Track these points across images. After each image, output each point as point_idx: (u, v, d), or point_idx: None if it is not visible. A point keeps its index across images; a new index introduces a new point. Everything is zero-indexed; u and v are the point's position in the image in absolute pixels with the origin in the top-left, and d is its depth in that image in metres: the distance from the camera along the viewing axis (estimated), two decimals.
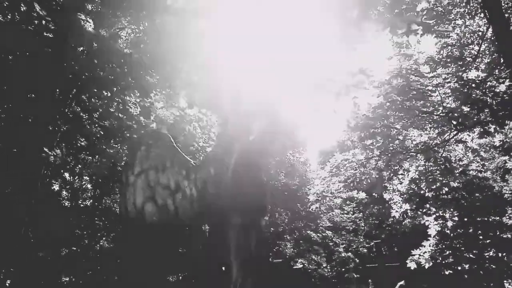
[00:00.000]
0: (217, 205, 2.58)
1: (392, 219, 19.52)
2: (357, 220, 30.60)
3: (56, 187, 16.47)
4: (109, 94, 10.98)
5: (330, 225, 25.71)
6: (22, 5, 8.85)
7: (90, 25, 10.52)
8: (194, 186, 2.61)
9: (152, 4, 11.08)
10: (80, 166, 13.99)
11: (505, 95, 9.97)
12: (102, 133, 10.63)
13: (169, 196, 2.63)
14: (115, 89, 11.12)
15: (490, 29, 12.31)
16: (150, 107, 11.37)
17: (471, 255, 13.61)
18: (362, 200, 27.21)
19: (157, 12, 11.39)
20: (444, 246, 12.69)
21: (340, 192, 10.77)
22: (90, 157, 13.03)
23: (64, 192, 17.97)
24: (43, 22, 9.01)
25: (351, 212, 29.72)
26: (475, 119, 10.06)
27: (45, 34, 8.64)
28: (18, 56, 9.22)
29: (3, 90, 9.28)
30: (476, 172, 12.23)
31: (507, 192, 13.76)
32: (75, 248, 14.19)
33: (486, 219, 13.73)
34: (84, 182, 18.16)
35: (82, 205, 17.37)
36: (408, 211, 11.55)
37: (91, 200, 17.69)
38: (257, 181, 2.62)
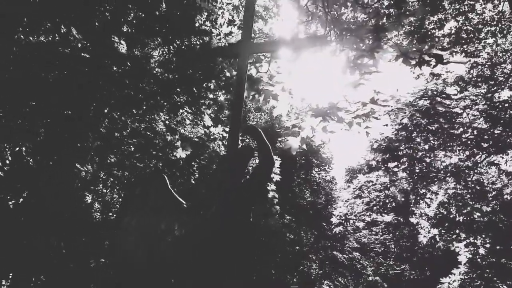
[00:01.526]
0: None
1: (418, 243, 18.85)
2: (387, 241, 29.66)
3: (89, 199, 17.15)
4: (139, 112, 11.44)
5: (358, 246, 25.06)
6: (62, 26, 9.47)
7: (123, 47, 11.08)
8: (183, 231, 2.60)
9: (181, 26, 11.53)
10: (112, 180, 14.53)
11: None
12: (132, 149, 11.07)
13: (157, 240, 2.65)
14: (144, 107, 11.58)
15: None
16: (177, 125, 11.74)
17: (504, 287, 12.84)
18: (392, 221, 26.47)
19: (186, 34, 11.82)
20: (475, 276, 12.06)
21: (363, 215, 10.55)
22: (120, 173, 13.53)
23: (96, 204, 18.63)
24: (79, 45, 9.58)
25: (380, 233, 28.87)
26: (507, 142, 9.68)
27: (82, 54, 9.19)
28: (56, 74, 9.81)
29: (44, 107, 9.86)
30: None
31: None
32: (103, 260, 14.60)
33: None
34: (115, 196, 18.77)
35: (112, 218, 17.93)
36: (437, 236, 11.15)
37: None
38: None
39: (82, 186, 13.48)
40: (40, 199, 10.54)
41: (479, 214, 10.65)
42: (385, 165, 9.01)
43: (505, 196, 11.72)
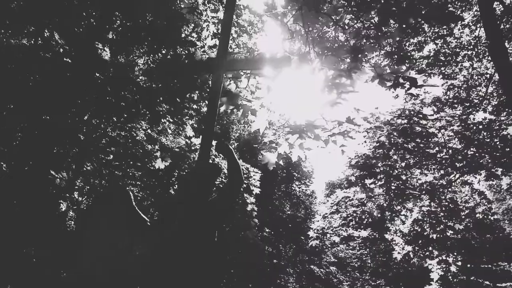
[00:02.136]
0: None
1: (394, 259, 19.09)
2: (363, 256, 29.88)
3: (63, 207, 16.70)
4: (120, 120, 11.32)
5: (335, 260, 25.15)
6: (46, 31, 9.35)
7: (107, 54, 10.99)
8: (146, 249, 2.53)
9: (167, 36, 11.53)
10: (88, 188, 14.24)
11: (511, 140, 9.91)
12: (111, 157, 10.92)
13: (118, 257, 2.57)
14: (126, 115, 11.48)
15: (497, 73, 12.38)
16: (158, 134, 11.67)
17: None
18: (368, 236, 26.73)
19: (172, 44, 11.83)
20: None
21: (340, 229, 10.64)
22: (98, 181, 13.28)
23: (71, 213, 18.16)
24: (61, 50, 9.48)
25: (357, 248, 29.06)
26: (480, 162, 9.97)
27: (64, 59, 9.08)
28: (37, 79, 9.64)
29: (22, 108, 9.64)
30: (483, 215, 11.98)
31: None
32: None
33: (490, 266, 13.31)
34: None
35: None
36: (411, 253, 11.32)
37: None
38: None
39: (56, 194, 13.11)
40: (12, 205, 10.22)
41: (452, 232, 10.90)
42: (362, 181, 9.16)
43: (477, 215, 12.04)
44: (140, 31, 11.47)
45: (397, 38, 5.03)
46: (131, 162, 10.31)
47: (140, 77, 12.27)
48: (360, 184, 9.57)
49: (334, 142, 3.93)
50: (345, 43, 4.78)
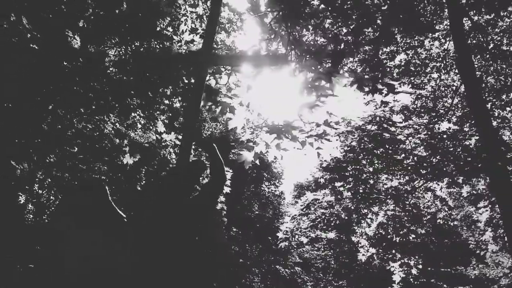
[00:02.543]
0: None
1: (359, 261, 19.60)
2: (327, 257, 30.40)
3: (22, 199, 15.98)
4: (87, 111, 10.96)
5: (300, 261, 25.45)
6: (13, 14, 8.89)
7: (77, 42, 10.60)
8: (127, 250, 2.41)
9: (142, 28, 11.24)
10: (49, 180, 13.69)
11: (473, 150, 10.37)
12: (76, 150, 10.54)
13: (93, 253, 2.45)
14: (93, 107, 11.12)
15: (463, 85, 12.94)
16: (127, 129, 11.38)
17: None
18: (334, 238, 27.27)
19: (146, 36, 11.54)
20: None
21: (308, 231, 10.78)
22: (60, 174, 12.79)
23: (30, 206, 17.39)
24: (29, 35, 9.08)
25: (322, 249, 29.54)
26: (443, 170, 10.37)
27: (31, 46, 8.66)
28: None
29: None
30: (444, 220, 12.49)
31: (472, 242, 14.03)
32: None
33: (449, 270, 13.89)
34: (52, 198, 17.68)
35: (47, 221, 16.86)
36: (375, 255, 11.63)
37: None
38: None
39: (15, 185, 12.53)
40: None
41: (414, 236, 11.28)
42: (332, 184, 9.31)
43: (438, 220, 12.52)
44: (113, 21, 11.13)
45: (373, 46, 5.11)
46: (98, 156, 9.98)
47: (111, 69, 11.93)
48: (330, 187, 9.73)
49: (310, 144, 3.95)
50: (325, 47, 4.80)
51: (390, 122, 8.86)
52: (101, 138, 10.48)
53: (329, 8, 4.80)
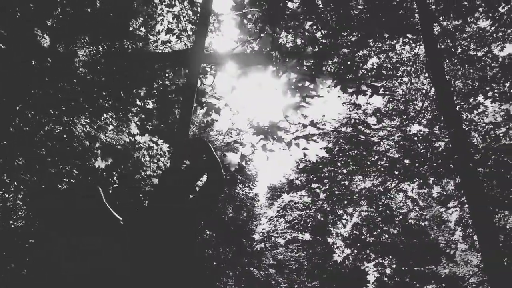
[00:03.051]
0: None
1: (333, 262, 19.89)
2: (301, 259, 30.57)
3: None
4: (56, 113, 10.60)
5: (274, 263, 25.48)
6: None
7: (47, 41, 10.20)
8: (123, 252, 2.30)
9: (114, 28, 10.99)
10: (16, 184, 13.10)
11: (444, 152, 10.73)
12: (44, 153, 10.13)
13: (89, 261, 2.32)
14: (63, 108, 10.77)
15: (433, 88, 13.42)
16: (98, 130, 11.06)
17: None
18: (311, 239, 27.46)
19: (118, 36, 11.27)
20: None
21: (285, 232, 10.81)
22: (27, 177, 12.24)
23: None
24: None
25: (295, 251, 29.70)
26: (415, 171, 10.67)
27: None
28: None
29: None
30: (415, 220, 12.89)
31: (442, 242, 14.55)
32: None
33: (422, 269, 14.34)
34: (19, 202, 16.92)
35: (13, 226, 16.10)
36: (350, 256, 11.85)
37: (24, 221, 16.47)
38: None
39: None
40: None
41: (387, 236, 11.55)
42: (309, 185, 9.39)
43: (410, 220, 12.90)
44: (84, 20, 10.82)
45: (352, 48, 5.19)
46: (68, 159, 9.63)
47: (81, 69, 11.59)
48: (306, 188, 9.80)
49: (297, 145, 3.95)
50: (304, 49, 4.83)
51: (365, 124, 9.03)
52: (71, 141, 10.12)
53: (310, 11, 4.83)
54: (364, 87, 3.82)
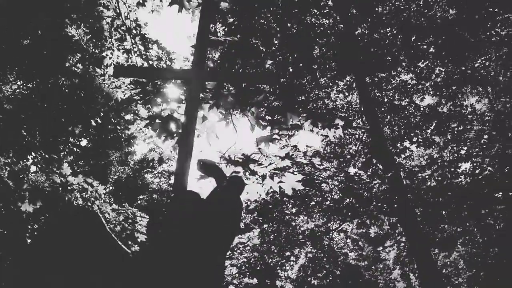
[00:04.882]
0: None
1: None
2: None
3: None
4: None
5: None
6: None
7: None
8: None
9: (47, 63, 10.38)
10: None
11: (379, 193, 11.32)
12: None
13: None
14: None
15: (365, 133, 14.37)
16: (24, 170, 10.02)
17: None
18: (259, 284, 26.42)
19: (53, 72, 10.66)
20: None
21: (234, 278, 10.33)
22: None
23: None
24: None
25: None
26: (355, 212, 11.05)
27: None
28: None
29: None
30: (355, 261, 13.16)
31: (381, 281, 14.95)
32: None
33: None
34: None
35: None
36: None
37: None
38: None
39: None
40: None
41: (331, 277, 11.60)
42: (260, 226, 9.18)
43: (350, 260, 13.14)
44: (13, 54, 10.12)
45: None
46: None
47: (5, 105, 10.67)
48: (256, 229, 9.58)
49: (271, 178, 3.85)
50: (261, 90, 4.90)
51: (311, 165, 9.25)
52: None
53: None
54: (338, 121, 3.92)
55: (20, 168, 9.93)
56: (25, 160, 10.11)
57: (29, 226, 8.76)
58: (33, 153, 10.55)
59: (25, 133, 10.34)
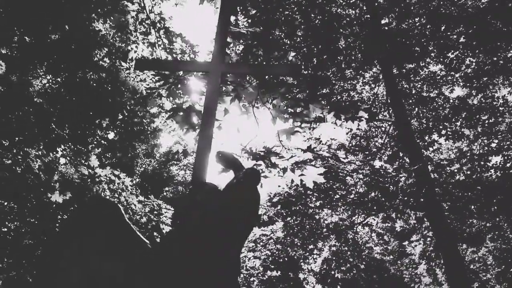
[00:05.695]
0: None
1: None
2: None
3: None
4: (7, 144, 9.80)
5: None
6: None
7: (2, 69, 9.58)
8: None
9: (75, 57, 10.60)
10: None
11: (405, 187, 11.04)
12: None
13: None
14: (16, 139, 10.00)
15: (392, 126, 14.02)
16: (54, 162, 10.30)
17: None
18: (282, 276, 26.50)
19: (80, 66, 10.88)
20: None
21: (257, 271, 10.36)
22: None
23: None
24: None
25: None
26: (380, 205, 10.82)
27: None
28: None
29: None
30: (380, 255, 12.93)
31: (407, 276, 14.68)
32: None
33: None
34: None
35: None
36: None
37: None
38: None
39: None
40: None
41: (355, 271, 11.45)
42: (285, 219, 9.15)
43: (375, 255, 12.92)
44: (42, 50, 10.38)
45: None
46: (22, 193, 8.81)
47: (35, 99, 10.98)
48: (279, 221, 9.56)
49: (292, 171, 3.79)
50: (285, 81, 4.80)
51: (335, 158, 9.13)
52: (25, 173, 9.28)
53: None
54: (361, 113, 3.81)
55: (50, 160, 10.20)
56: (54, 153, 10.38)
57: (59, 217, 9.01)
58: (62, 146, 10.80)
59: (54, 126, 10.61)
